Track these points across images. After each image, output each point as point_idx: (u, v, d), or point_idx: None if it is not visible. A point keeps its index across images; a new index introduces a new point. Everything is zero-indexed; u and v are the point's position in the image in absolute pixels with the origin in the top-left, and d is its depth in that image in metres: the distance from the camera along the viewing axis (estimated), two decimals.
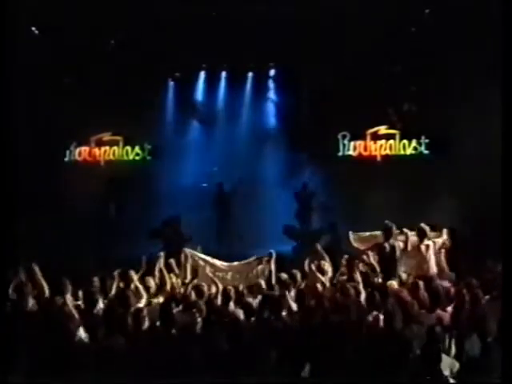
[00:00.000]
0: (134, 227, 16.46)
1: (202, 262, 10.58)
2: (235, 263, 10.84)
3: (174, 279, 9.79)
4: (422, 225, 10.96)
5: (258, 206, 17.36)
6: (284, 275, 9.80)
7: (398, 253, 10.62)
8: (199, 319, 7.95)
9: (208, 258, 10.72)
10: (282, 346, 6.95)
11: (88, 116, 17.15)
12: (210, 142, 17.92)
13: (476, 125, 15.23)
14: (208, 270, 10.40)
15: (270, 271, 10.34)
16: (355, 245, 11.31)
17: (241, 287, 9.53)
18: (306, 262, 10.23)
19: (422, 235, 10.84)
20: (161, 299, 8.99)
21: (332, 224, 15.98)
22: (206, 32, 15.31)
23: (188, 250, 10.80)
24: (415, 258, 10.72)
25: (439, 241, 10.92)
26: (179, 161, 17.59)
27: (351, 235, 11.42)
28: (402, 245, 10.72)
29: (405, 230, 10.96)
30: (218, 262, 10.72)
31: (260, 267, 10.51)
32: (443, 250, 10.86)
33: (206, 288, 9.22)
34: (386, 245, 10.79)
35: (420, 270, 10.51)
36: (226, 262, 11.00)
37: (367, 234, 11.48)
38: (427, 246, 10.72)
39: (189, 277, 10.21)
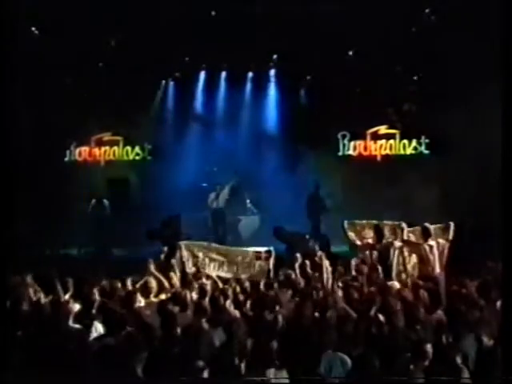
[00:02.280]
0: (134, 227, 16.46)
1: (198, 252, 10.55)
2: (233, 249, 10.82)
3: (173, 279, 9.79)
4: (427, 224, 10.92)
5: (256, 205, 17.37)
6: (282, 276, 9.82)
7: (393, 252, 10.60)
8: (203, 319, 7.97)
9: (204, 245, 10.69)
10: (281, 346, 6.95)
11: (88, 116, 17.16)
12: (210, 142, 17.92)
13: (476, 125, 15.23)
14: (205, 261, 10.40)
15: (269, 269, 10.36)
16: (349, 234, 11.30)
17: (238, 288, 9.54)
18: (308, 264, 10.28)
19: (426, 235, 10.80)
20: (161, 298, 8.99)
21: (320, 226, 16.01)
22: (206, 32, 15.30)
23: (183, 243, 10.77)
24: (417, 257, 10.71)
25: (444, 242, 10.89)
26: (179, 161, 17.58)
27: (345, 224, 11.44)
28: (398, 242, 10.70)
29: (402, 224, 10.96)
30: (213, 248, 10.70)
31: (258, 263, 10.51)
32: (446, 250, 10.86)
33: (208, 287, 9.25)
34: (378, 246, 10.79)
35: (421, 270, 10.51)
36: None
37: (364, 221, 11.48)
38: (431, 247, 10.70)
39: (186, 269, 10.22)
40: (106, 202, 17.22)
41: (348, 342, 7.01)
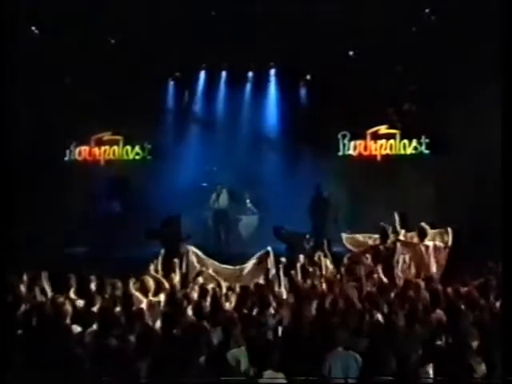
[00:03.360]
0: (134, 227, 16.47)
1: (203, 260, 10.60)
2: (236, 267, 10.86)
3: (174, 279, 9.78)
4: (423, 224, 10.96)
5: (256, 205, 17.36)
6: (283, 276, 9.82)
7: (395, 254, 10.65)
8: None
9: (209, 259, 10.74)
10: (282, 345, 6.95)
11: (88, 116, 17.15)
12: (210, 142, 17.91)
13: (476, 125, 15.23)
14: (209, 267, 10.44)
15: (268, 269, 10.37)
16: (347, 245, 11.39)
17: (238, 289, 9.54)
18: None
19: (422, 235, 10.84)
20: (161, 298, 8.98)
21: (323, 225, 16.02)
22: (206, 32, 15.30)
23: (190, 248, 10.81)
24: (414, 257, 10.75)
25: (441, 244, 10.92)
26: (179, 160, 17.58)
27: (344, 235, 11.53)
28: (398, 245, 10.75)
29: (397, 229, 10.99)
30: (218, 264, 10.74)
31: (260, 266, 10.54)
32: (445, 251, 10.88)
33: (209, 287, 9.26)
34: (382, 247, 10.82)
35: (419, 270, 10.54)
36: (225, 262, 11.03)
37: (360, 236, 11.54)
38: (427, 247, 10.73)
39: (189, 275, 10.23)
40: (105, 201, 17.25)
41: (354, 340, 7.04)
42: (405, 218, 11.44)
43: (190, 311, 8.23)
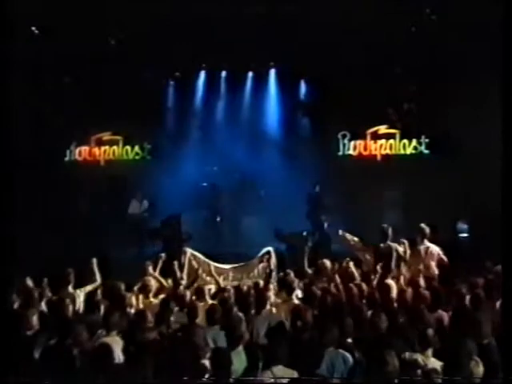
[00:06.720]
0: (134, 227, 16.47)
1: (203, 262, 10.62)
2: (236, 265, 10.87)
3: (174, 280, 9.80)
4: (422, 225, 10.98)
5: (257, 205, 17.38)
6: (285, 276, 9.84)
7: (395, 255, 10.67)
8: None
9: (209, 261, 10.75)
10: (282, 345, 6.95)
11: (88, 116, 17.16)
12: (210, 142, 17.92)
13: (476, 124, 15.23)
14: (209, 269, 10.45)
15: (271, 270, 10.39)
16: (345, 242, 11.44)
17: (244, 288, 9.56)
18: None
19: (421, 236, 10.87)
20: (160, 299, 8.98)
21: (322, 224, 16.04)
22: (206, 32, 15.30)
23: (189, 250, 10.83)
24: (414, 258, 10.77)
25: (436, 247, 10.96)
26: (179, 161, 17.59)
27: (341, 233, 11.57)
28: (401, 251, 10.75)
29: (402, 240, 11.00)
30: (218, 265, 10.75)
31: (261, 265, 10.56)
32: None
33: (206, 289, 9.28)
34: (383, 245, 10.87)
35: (419, 270, 10.56)
36: (226, 262, 11.05)
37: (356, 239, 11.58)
38: (426, 248, 10.76)
39: (189, 277, 10.24)
40: (105, 201, 17.27)
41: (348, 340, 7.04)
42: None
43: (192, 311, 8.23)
